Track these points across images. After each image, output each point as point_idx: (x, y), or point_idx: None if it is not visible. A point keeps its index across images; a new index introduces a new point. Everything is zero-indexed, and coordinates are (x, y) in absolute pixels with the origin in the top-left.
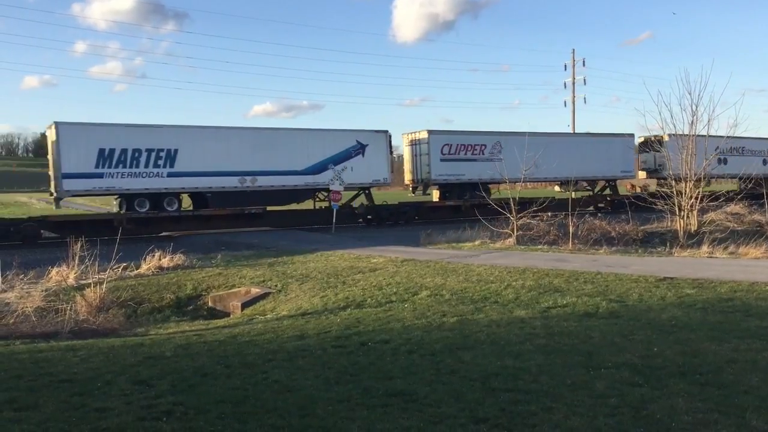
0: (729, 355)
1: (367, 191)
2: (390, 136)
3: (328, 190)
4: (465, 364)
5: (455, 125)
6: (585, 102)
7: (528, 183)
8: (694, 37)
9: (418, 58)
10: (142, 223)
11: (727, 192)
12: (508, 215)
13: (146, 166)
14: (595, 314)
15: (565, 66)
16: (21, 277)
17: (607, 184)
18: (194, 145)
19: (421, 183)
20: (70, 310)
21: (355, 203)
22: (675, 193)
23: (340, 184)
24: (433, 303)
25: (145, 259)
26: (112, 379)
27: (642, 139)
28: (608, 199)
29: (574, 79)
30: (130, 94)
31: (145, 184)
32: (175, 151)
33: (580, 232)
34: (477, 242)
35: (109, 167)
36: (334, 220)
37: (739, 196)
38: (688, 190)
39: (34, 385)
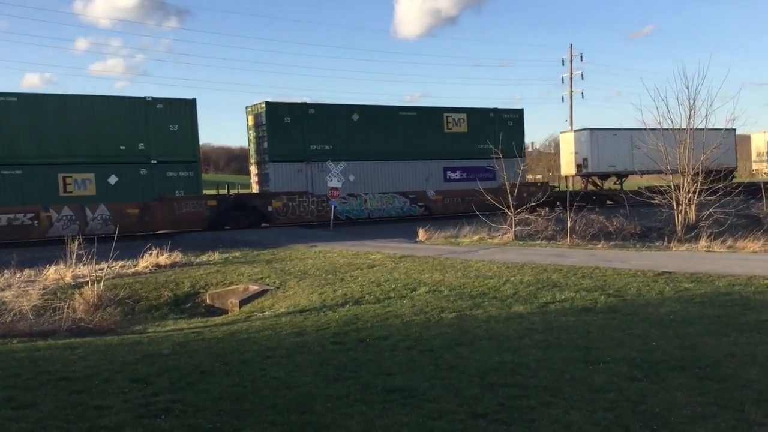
0: (728, 348)
1: None
2: None
3: None
4: (464, 360)
5: None
6: (582, 97)
7: None
8: (698, 31)
9: (419, 54)
10: None
11: (725, 186)
12: (506, 210)
13: None
14: (593, 309)
15: (563, 61)
16: (18, 275)
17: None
18: None
19: None
20: (68, 308)
21: None
22: (672, 187)
23: (338, 181)
24: (432, 299)
25: (142, 256)
26: (110, 377)
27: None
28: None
29: (571, 74)
30: (130, 91)
31: None
32: None
33: (578, 227)
34: (475, 238)
35: None
36: (332, 217)
37: (737, 190)
38: (685, 184)
39: (32, 383)
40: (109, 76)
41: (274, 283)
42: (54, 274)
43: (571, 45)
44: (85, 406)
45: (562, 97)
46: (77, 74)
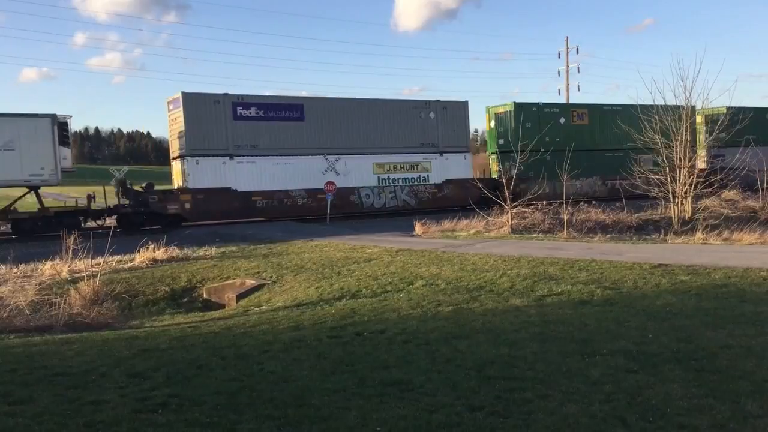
0: (724, 340)
1: None
2: None
3: None
4: (460, 353)
5: None
6: (579, 90)
7: None
8: (697, 23)
9: (419, 48)
10: None
11: (721, 179)
12: (503, 204)
13: None
14: (590, 302)
15: (559, 54)
16: (15, 271)
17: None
18: None
19: None
20: (64, 303)
21: None
22: (669, 180)
23: (336, 175)
24: (429, 292)
25: (139, 251)
26: (107, 372)
27: None
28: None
29: (567, 66)
30: (128, 86)
31: None
32: None
33: (574, 221)
34: (472, 231)
35: None
36: (328, 211)
37: (733, 182)
38: (682, 177)
39: (29, 378)
40: (107, 70)
41: (270, 277)
42: (50, 269)
43: (567, 37)
44: (82, 401)
45: (558, 90)
46: (75, 69)
